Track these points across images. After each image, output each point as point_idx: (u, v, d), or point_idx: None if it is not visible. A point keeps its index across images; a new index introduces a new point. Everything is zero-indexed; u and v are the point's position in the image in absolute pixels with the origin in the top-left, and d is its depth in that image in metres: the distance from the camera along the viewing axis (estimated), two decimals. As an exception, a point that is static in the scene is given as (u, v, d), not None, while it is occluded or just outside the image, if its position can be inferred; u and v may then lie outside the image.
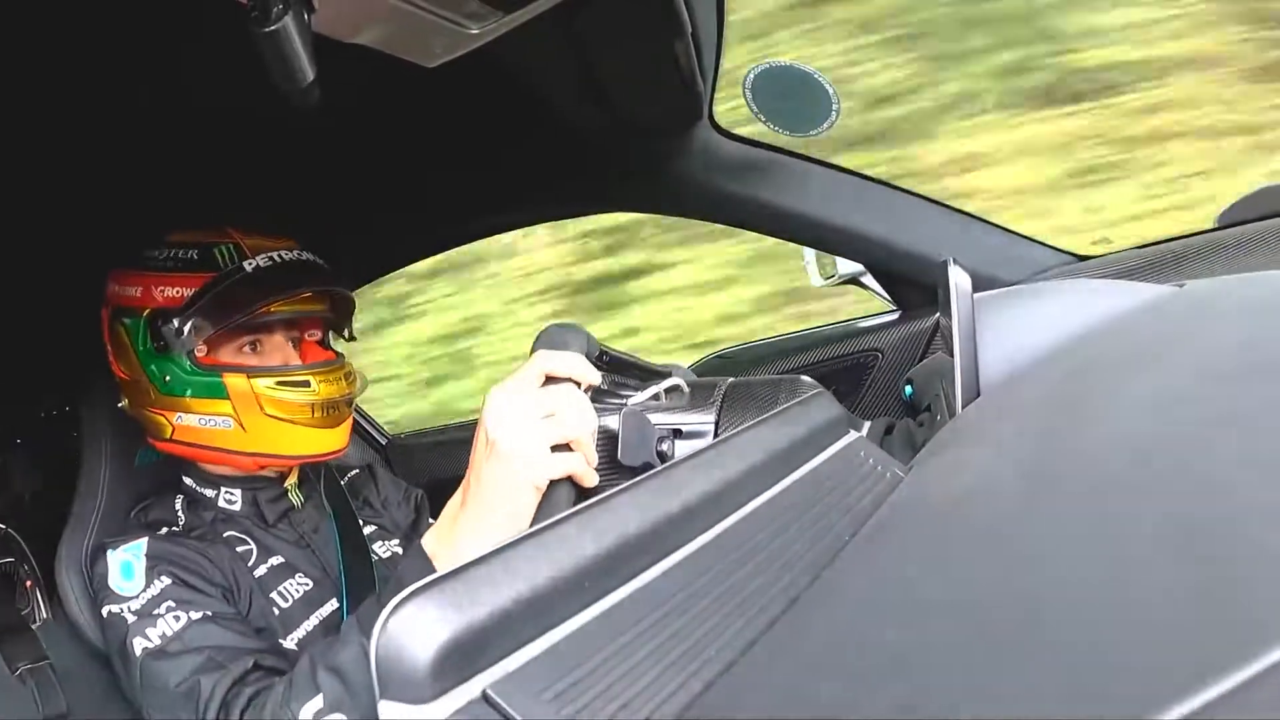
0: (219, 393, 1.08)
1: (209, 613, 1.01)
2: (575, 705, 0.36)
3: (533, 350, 0.83)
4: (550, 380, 0.79)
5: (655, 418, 0.93)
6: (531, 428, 0.76)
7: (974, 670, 0.32)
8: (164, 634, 0.98)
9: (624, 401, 0.95)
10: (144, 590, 1.02)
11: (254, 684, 0.95)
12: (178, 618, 0.99)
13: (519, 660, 0.37)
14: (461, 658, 0.35)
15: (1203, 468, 0.40)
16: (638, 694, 0.38)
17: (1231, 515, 0.34)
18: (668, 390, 0.96)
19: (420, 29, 0.72)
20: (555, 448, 0.76)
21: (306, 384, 1.11)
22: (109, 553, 1.06)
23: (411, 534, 1.38)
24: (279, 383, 1.10)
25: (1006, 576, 0.39)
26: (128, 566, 1.04)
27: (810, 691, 0.37)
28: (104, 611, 1.03)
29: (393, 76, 0.84)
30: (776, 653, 0.43)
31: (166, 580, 1.02)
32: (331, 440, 1.15)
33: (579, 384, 0.80)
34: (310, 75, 0.62)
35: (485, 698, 0.34)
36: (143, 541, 1.06)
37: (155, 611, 1.00)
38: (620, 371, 0.96)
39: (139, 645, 0.98)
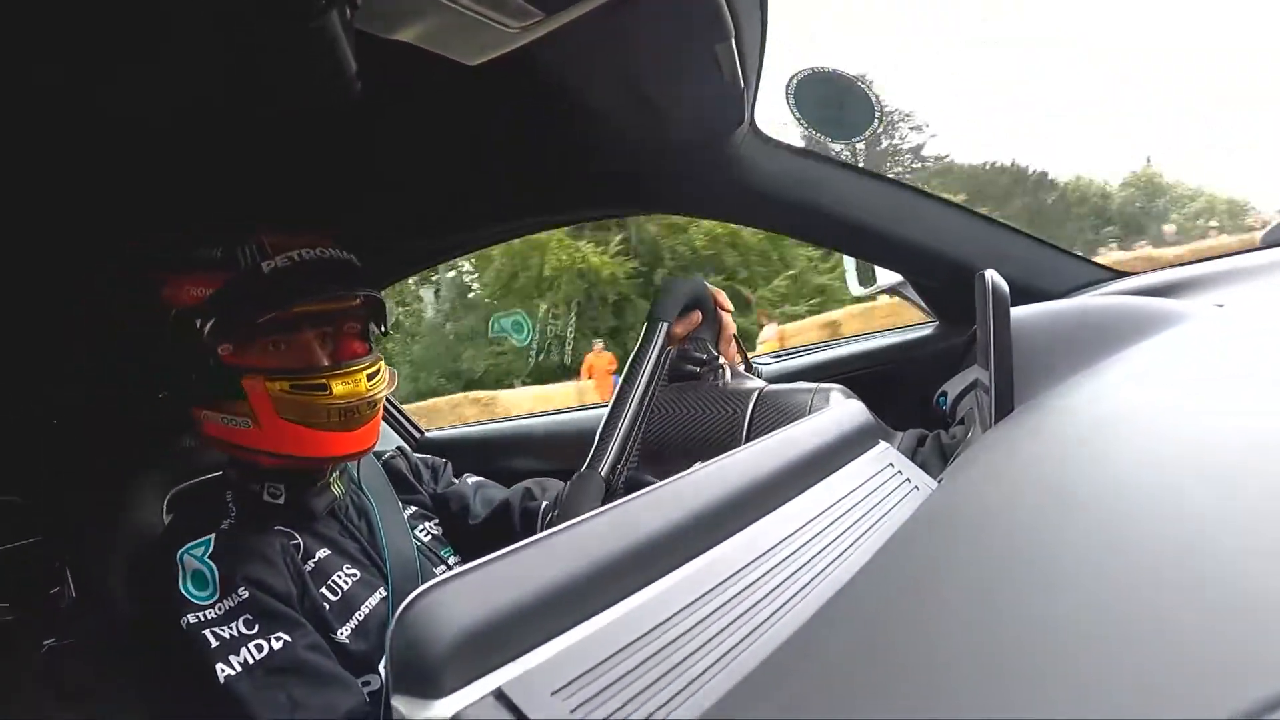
0: (238, 393, 1.08)
1: (288, 639, 1.00)
2: (590, 707, 0.36)
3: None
4: None
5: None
6: None
7: (989, 688, 0.31)
8: (246, 661, 0.98)
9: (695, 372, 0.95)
10: (220, 599, 1.01)
11: None
12: (260, 646, 0.99)
13: (535, 659, 0.37)
14: (477, 653, 0.35)
15: (1233, 495, 0.39)
16: (654, 699, 0.38)
17: (1256, 547, 0.33)
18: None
19: (462, 27, 0.72)
20: None
21: (323, 387, 1.09)
22: (178, 556, 1.04)
23: (441, 506, 1.40)
24: (294, 386, 1.08)
25: (1028, 596, 0.38)
26: (199, 575, 1.03)
27: (826, 703, 0.37)
28: (182, 622, 1.00)
29: (433, 74, 0.84)
30: (795, 662, 0.42)
31: (244, 592, 1.02)
32: (352, 442, 1.14)
33: None
34: (352, 69, 0.63)
35: (498, 694, 0.34)
36: (208, 540, 1.06)
37: (235, 626, 0.99)
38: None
39: (222, 672, 0.97)
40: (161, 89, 0.92)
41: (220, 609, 1.00)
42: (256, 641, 0.99)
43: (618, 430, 0.96)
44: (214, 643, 0.98)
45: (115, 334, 1.26)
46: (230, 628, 0.99)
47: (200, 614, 1.00)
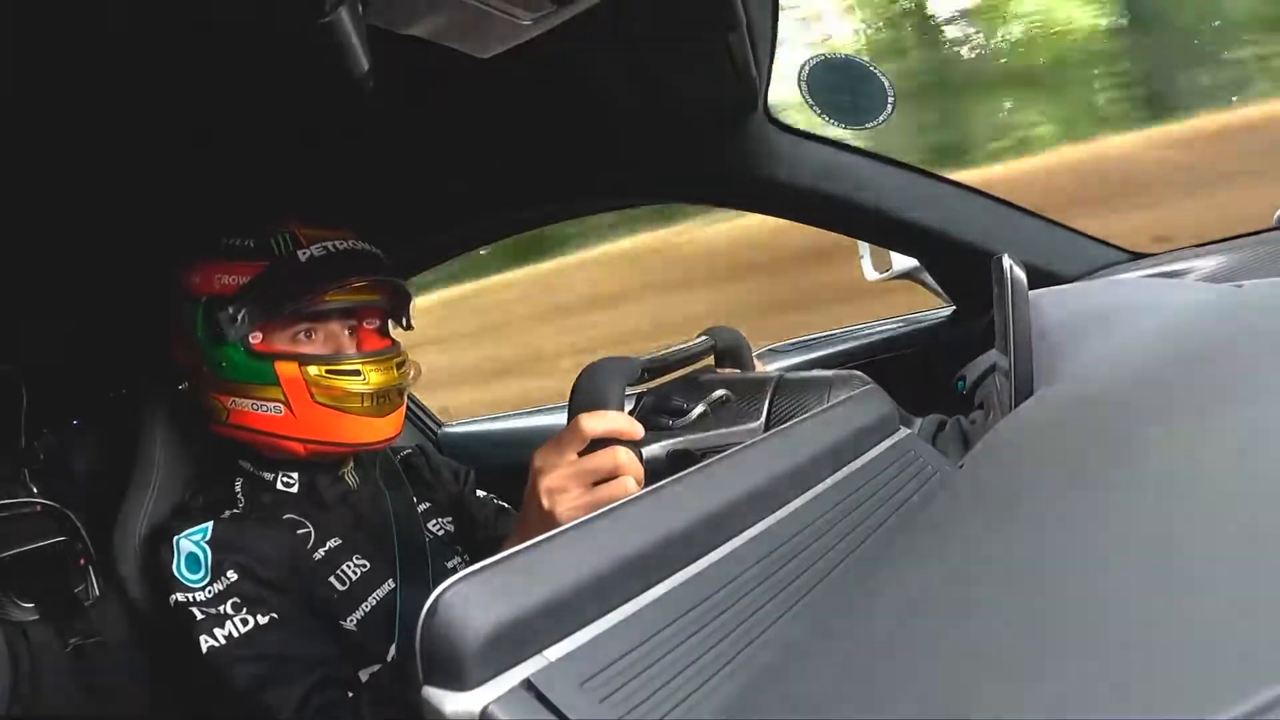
0: (270, 379, 1.10)
1: (275, 615, 1.03)
2: (618, 697, 0.36)
3: (571, 399, 0.86)
4: (595, 442, 0.82)
5: (702, 438, 0.94)
6: (583, 497, 0.82)
7: (1017, 672, 0.31)
8: (230, 634, 1.01)
9: (669, 424, 0.95)
10: (211, 583, 1.04)
11: (319, 699, 0.98)
12: (245, 621, 1.02)
13: (563, 649, 0.37)
14: (506, 645, 0.35)
15: (1254, 474, 0.39)
16: (680, 688, 0.38)
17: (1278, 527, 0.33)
18: (713, 404, 0.96)
19: (474, 20, 0.72)
20: None
21: (357, 373, 1.12)
22: (175, 539, 1.07)
23: (459, 508, 1.40)
24: (329, 371, 1.10)
25: (1054, 579, 0.38)
26: (193, 557, 1.05)
27: (852, 691, 0.37)
28: (170, 600, 1.04)
29: (445, 67, 0.84)
30: (819, 651, 0.42)
31: (234, 575, 1.04)
32: (382, 428, 1.16)
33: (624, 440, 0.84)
34: (365, 65, 0.63)
35: (527, 685, 0.34)
36: (206, 526, 1.08)
37: (222, 609, 1.02)
38: (664, 372, 0.97)
39: (205, 642, 1.00)
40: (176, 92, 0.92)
41: (209, 591, 1.04)
42: (244, 615, 1.02)
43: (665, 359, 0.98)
44: (200, 617, 1.02)
45: (137, 325, 1.27)
46: (218, 608, 1.03)
47: (190, 594, 1.04)
